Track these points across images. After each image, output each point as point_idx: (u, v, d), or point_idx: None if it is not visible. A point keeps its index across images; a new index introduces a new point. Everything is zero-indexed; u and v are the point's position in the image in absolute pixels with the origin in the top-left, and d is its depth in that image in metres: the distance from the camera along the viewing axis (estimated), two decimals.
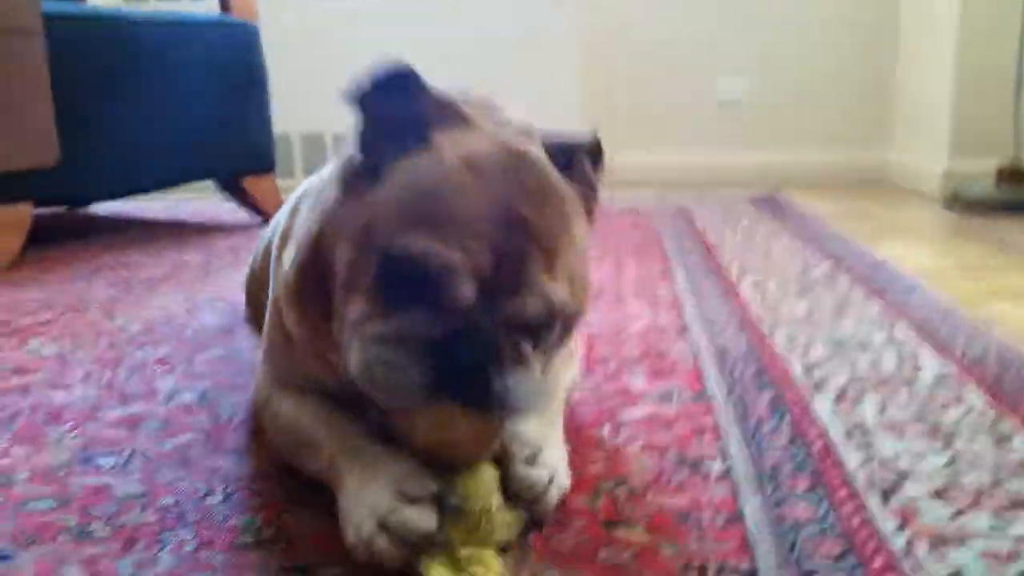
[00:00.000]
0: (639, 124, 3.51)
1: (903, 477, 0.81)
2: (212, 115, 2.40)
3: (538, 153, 0.74)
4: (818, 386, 1.05)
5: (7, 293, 1.69)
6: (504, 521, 0.69)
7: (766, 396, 1.02)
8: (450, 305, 0.65)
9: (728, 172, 3.44)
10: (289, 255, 0.80)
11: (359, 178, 0.72)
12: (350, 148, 0.75)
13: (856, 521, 0.73)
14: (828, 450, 0.86)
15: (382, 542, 0.65)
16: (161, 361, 1.23)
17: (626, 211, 2.58)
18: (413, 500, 0.67)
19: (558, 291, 0.69)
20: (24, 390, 1.12)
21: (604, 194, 0.81)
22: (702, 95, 3.46)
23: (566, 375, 0.92)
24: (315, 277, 0.75)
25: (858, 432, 0.91)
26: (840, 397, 1.01)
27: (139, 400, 1.07)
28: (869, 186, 3.23)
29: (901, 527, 0.72)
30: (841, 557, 0.67)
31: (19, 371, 1.20)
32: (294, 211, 0.89)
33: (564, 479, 0.76)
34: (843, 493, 0.78)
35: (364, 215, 0.70)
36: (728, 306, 1.43)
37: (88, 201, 2.79)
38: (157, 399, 1.07)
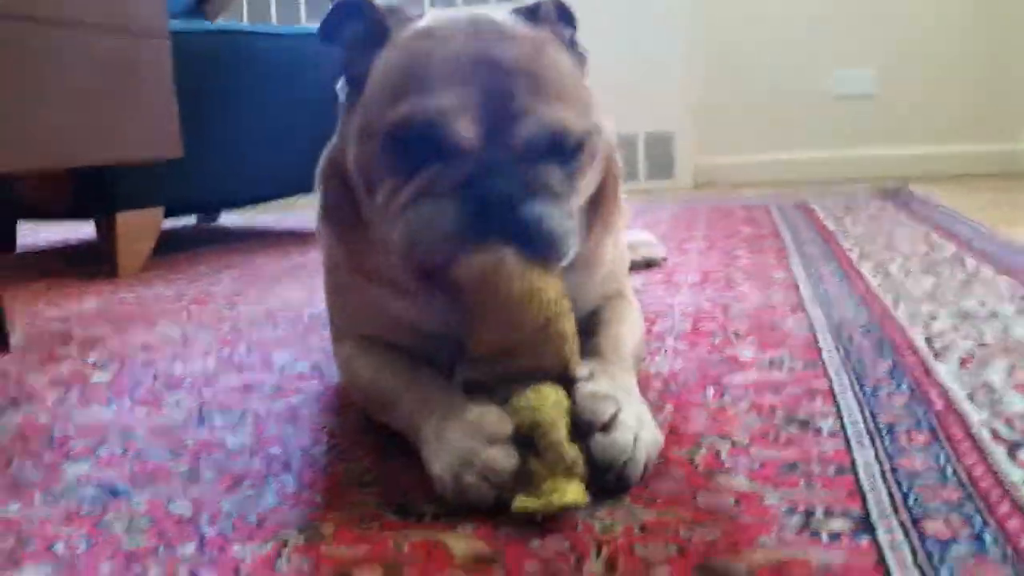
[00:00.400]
0: (753, 121, 3.43)
1: None
2: (329, 124, 2.48)
3: (491, 13, 0.78)
4: (941, 353, 0.99)
5: (138, 290, 1.79)
6: (579, 450, 0.67)
7: (885, 363, 0.96)
8: (457, 148, 0.70)
9: (849, 168, 3.31)
10: None
11: (347, 93, 0.82)
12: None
13: (979, 470, 0.67)
14: (950, 407, 0.81)
15: (470, 479, 0.65)
16: (278, 340, 1.27)
17: (740, 207, 2.52)
18: (492, 441, 0.67)
19: (555, 112, 0.72)
20: (148, 364, 1.17)
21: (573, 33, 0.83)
22: (819, 89, 3.36)
23: (632, 329, 0.90)
24: (342, 196, 0.84)
25: (983, 392, 0.85)
26: (965, 361, 0.95)
27: (254, 370, 1.11)
28: (998, 179, 3.05)
29: None
30: (960, 503, 0.63)
31: (145, 348, 1.26)
32: None
33: (651, 435, 0.71)
34: (965, 445, 0.72)
35: (359, 116, 0.78)
36: (847, 285, 1.37)
37: (213, 208, 2.93)
38: (271, 369, 1.11)
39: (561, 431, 0.68)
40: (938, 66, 3.25)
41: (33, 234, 3.08)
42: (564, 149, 0.72)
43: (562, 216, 0.71)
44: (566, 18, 0.81)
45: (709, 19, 3.36)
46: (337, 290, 0.93)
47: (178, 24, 2.11)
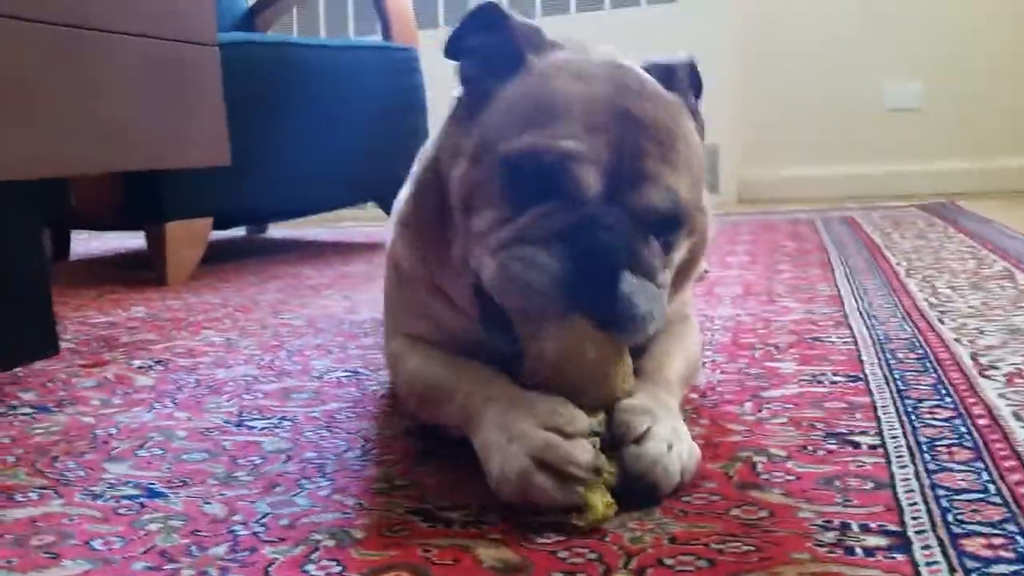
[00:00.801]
0: (799, 136, 3.39)
1: None
2: (376, 136, 2.51)
3: (635, 65, 0.76)
4: (987, 370, 0.96)
5: (185, 297, 1.83)
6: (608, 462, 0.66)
7: (929, 378, 0.94)
8: (577, 195, 0.66)
9: (898, 182, 3.26)
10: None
11: (467, 106, 0.77)
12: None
13: (1023, 489, 0.66)
14: (995, 424, 0.79)
15: (542, 479, 0.63)
16: (318, 347, 1.29)
17: (784, 222, 2.49)
18: (568, 435, 0.65)
19: (676, 182, 0.69)
20: (192, 369, 1.19)
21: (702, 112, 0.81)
22: (867, 102, 3.31)
23: (684, 351, 0.87)
24: (430, 204, 0.79)
25: None
26: (1011, 378, 0.92)
27: (294, 376, 1.13)
28: None
29: None
30: (1003, 522, 0.61)
31: (189, 354, 1.29)
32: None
33: (687, 448, 0.70)
34: (1010, 463, 0.70)
35: (478, 132, 0.74)
36: (893, 300, 1.34)
37: (262, 219, 2.98)
38: (310, 375, 1.12)
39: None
40: (986, 80, 3.18)
41: (85, 244, 3.16)
42: (673, 223, 0.70)
43: (655, 296, 0.68)
44: (696, 84, 0.80)
45: (755, 32, 3.34)
46: (398, 289, 0.91)
47: (228, 35, 2.15)
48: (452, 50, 0.78)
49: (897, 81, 3.29)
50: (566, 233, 0.65)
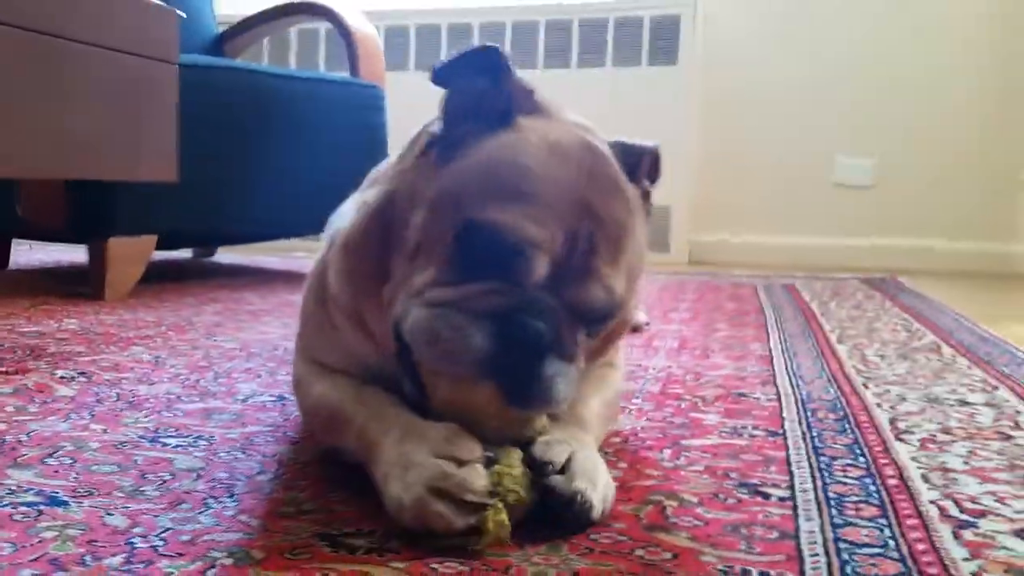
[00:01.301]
0: (750, 203, 3.47)
1: (982, 515, 0.74)
2: (333, 170, 2.51)
3: (606, 151, 0.76)
4: (903, 434, 0.98)
5: (120, 313, 1.79)
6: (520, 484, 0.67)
7: (846, 438, 0.96)
8: (523, 280, 0.67)
9: (844, 256, 3.34)
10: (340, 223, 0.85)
11: (440, 149, 0.75)
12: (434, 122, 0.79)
13: (921, 546, 0.67)
14: (903, 485, 0.81)
15: (439, 507, 0.64)
16: (247, 371, 1.27)
17: (728, 284, 2.53)
18: (462, 463, 0.66)
19: (618, 283, 0.71)
20: (114, 383, 1.17)
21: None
22: (817, 175, 3.41)
23: (604, 394, 0.88)
24: (376, 238, 0.78)
25: (939, 474, 0.84)
26: (925, 443, 0.95)
27: (218, 397, 1.11)
28: (991, 278, 3.07)
29: (972, 557, 0.65)
30: None
31: (114, 368, 1.26)
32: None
33: (606, 479, 0.72)
34: (911, 522, 0.72)
35: (445, 183, 0.73)
36: (821, 363, 1.37)
37: (209, 242, 2.95)
38: (234, 398, 1.11)
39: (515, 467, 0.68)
40: (939, 161, 3.30)
41: (28, 255, 3.09)
42: (605, 317, 0.72)
43: (571, 380, 0.70)
44: (656, 171, 0.82)
45: (713, 98, 3.42)
46: (316, 307, 0.90)
47: (194, 57, 2.15)
48: (442, 78, 0.76)
49: (849, 157, 3.39)
50: (501, 314, 0.66)
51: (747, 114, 3.44)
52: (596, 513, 0.68)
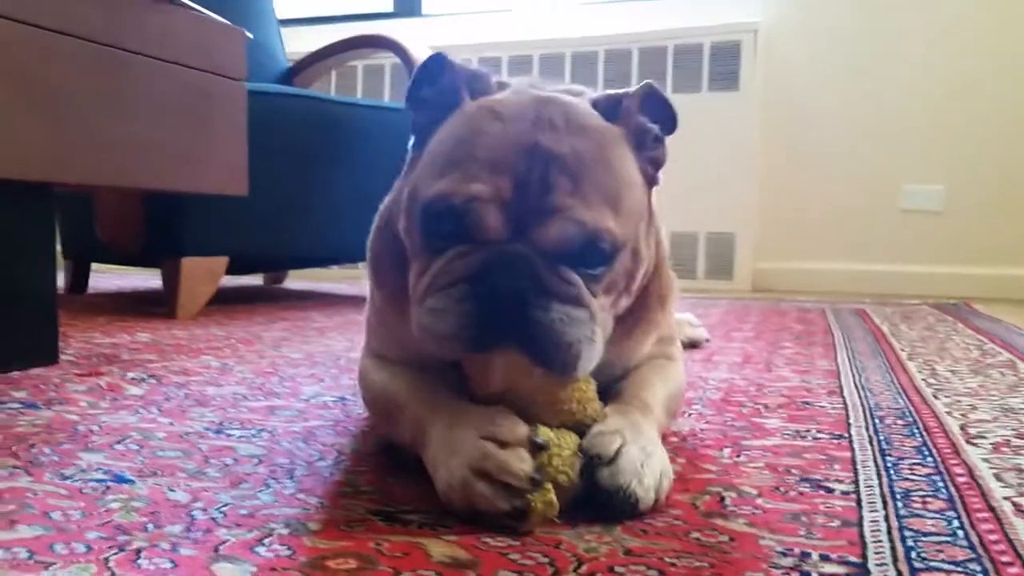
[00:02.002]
0: (817, 230, 3.42)
1: None
2: None
3: (572, 99, 0.76)
4: (974, 439, 0.95)
5: (191, 329, 1.84)
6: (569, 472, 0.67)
7: (914, 441, 0.93)
8: (483, 237, 0.67)
9: (912, 283, 3.26)
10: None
11: (410, 160, 0.80)
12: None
13: (994, 536, 0.64)
14: (973, 483, 0.78)
15: (482, 488, 0.64)
16: (311, 376, 1.29)
17: (794, 308, 2.49)
18: (505, 445, 0.66)
19: (593, 215, 0.68)
20: (183, 385, 1.20)
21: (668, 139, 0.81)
22: (884, 201, 3.34)
23: (665, 379, 0.87)
24: (388, 259, 0.83)
25: (1013, 474, 0.81)
26: (999, 447, 0.91)
27: (281, 397, 1.13)
28: None
29: None
30: (967, 561, 0.59)
31: (183, 372, 1.30)
32: None
33: (660, 464, 0.71)
34: (983, 515, 0.69)
35: (408, 186, 0.77)
36: (890, 377, 1.33)
37: (279, 265, 3.01)
38: (298, 398, 1.13)
39: (559, 456, 0.67)
40: (1008, 187, 3.20)
41: (107, 280, 3.21)
42: (597, 255, 0.69)
43: (578, 323, 0.66)
44: (657, 112, 0.78)
45: (773, 124, 3.40)
46: (373, 309, 0.93)
47: (265, 85, 2.23)
48: (410, 101, 0.80)
49: (917, 184, 3.32)
50: (471, 276, 0.66)
51: (811, 140, 3.40)
52: (643, 506, 0.67)
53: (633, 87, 0.79)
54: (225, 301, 2.39)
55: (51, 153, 1.28)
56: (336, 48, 3.03)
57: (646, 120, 0.78)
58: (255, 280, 3.24)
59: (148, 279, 3.30)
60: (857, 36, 3.36)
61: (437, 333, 0.67)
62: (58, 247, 2.44)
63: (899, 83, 3.31)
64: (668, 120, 0.79)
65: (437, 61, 0.78)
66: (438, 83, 0.78)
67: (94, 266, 2.86)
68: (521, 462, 0.64)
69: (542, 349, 0.66)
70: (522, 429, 0.67)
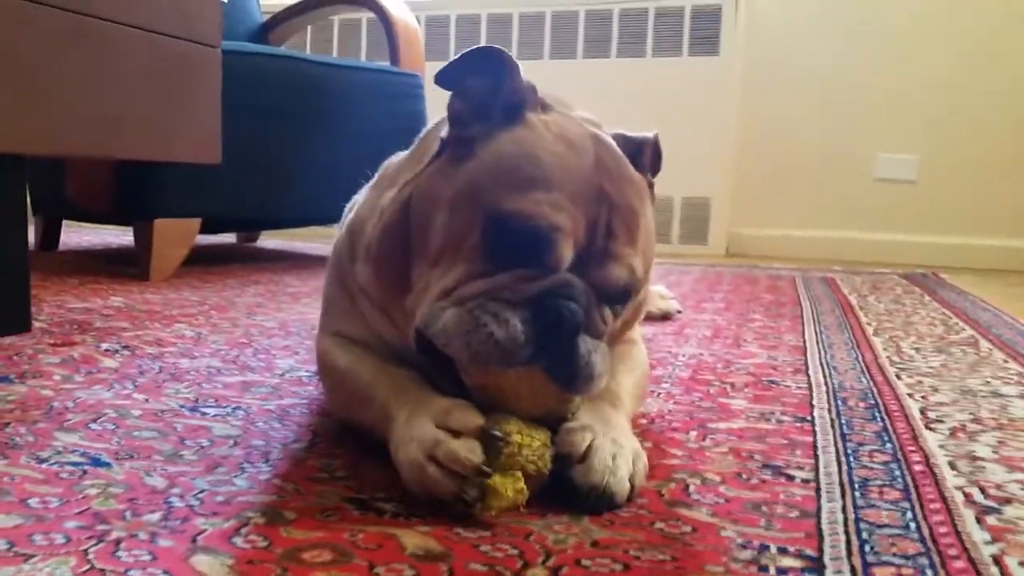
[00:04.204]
0: (792, 197, 3.45)
1: (1007, 502, 0.74)
2: (372, 157, 2.54)
3: (612, 142, 0.79)
4: (933, 423, 0.98)
5: (164, 292, 1.84)
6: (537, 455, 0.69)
7: (875, 426, 0.96)
8: (552, 266, 0.70)
9: (884, 251, 3.30)
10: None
11: (452, 150, 0.78)
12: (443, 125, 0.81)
13: (943, 529, 0.67)
14: (928, 472, 0.81)
15: (433, 471, 0.66)
16: (285, 348, 1.30)
17: (766, 276, 2.52)
18: (457, 434, 0.68)
19: (636, 262, 0.74)
20: (157, 356, 1.21)
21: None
22: (859, 169, 3.37)
23: (631, 369, 0.90)
24: (394, 245, 0.80)
25: (966, 462, 0.84)
26: (955, 432, 0.94)
27: (256, 372, 1.14)
28: None
29: (994, 540, 0.66)
30: (917, 556, 0.62)
31: (157, 343, 1.30)
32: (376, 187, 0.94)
33: (632, 452, 0.73)
34: (935, 506, 0.72)
35: (462, 182, 0.75)
36: (855, 354, 1.36)
37: (252, 226, 3.00)
38: (273, 372, 1.14)
39: (528, 447, 0.69)
40: (981, 158, 3.24)
41: (78, 236, 3.17)
42: (626, 295, 0.75)
43: (603, 356, 0.72)
44: (655, 161, 0.85)
45: (752, 90, 3.40)
46: (340, 293, 0.93)
47: (238, 44, 2.20)
48: (447, 81, 0.78)
49: (892, 153, 3.34)
50: (536, 299, 0.69)
51: (788, 107, 3.42)
52: (620, 499, 0.70)
53: (647, 133, 0.84)
54: (198, 261, 2.38)
55: (24, 125, 1.26)
56: (313, 3, 2.99)
57: (652, 168, 0.84)
58: (228, 238, 3.22)
59: (120, 235, 3.27)
60: (837, 4, 3.36)
61: (497, 339, 0.67)
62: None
63: (878, 52, 3.32)
64: (657, 166, 0.85)
65: (498, 55, 0.76)
66: (495, 80, 0.76)
67: (65, 222, 2.83)
68: (470, 452, 0.67)
69: (572, 375, 0.70)
70: (474, 420, 0.69)
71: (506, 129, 0.75)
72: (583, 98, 0.92)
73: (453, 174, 0.76)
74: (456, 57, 0.77)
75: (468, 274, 0.71)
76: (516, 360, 0.68)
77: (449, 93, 0.79)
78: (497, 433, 0.68)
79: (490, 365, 0.69)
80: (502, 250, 0.71)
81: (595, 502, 0.69)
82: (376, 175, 0.97)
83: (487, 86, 0.77)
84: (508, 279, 0.70)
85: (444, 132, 0.80)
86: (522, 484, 0.66)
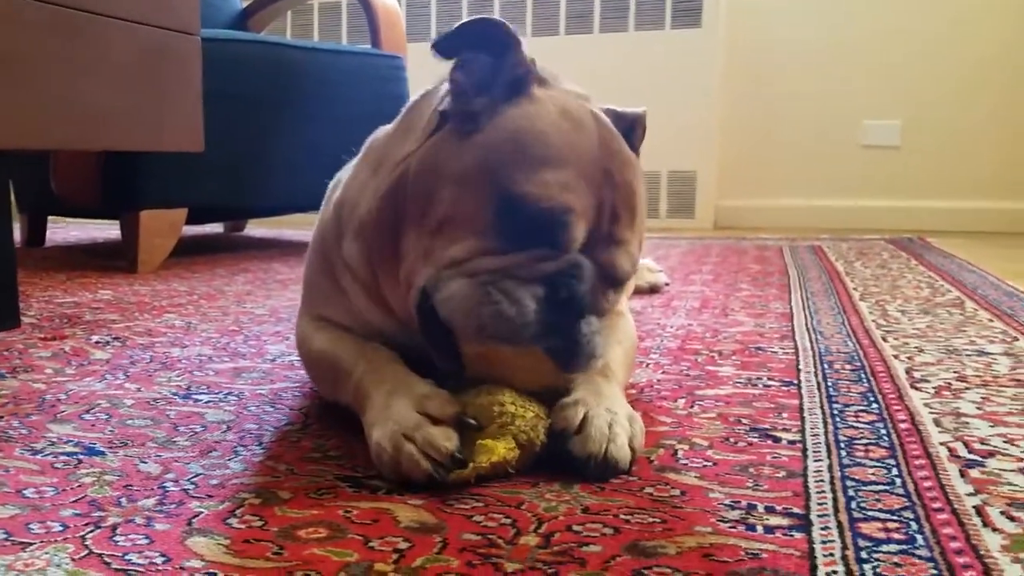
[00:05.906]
0: (777, 167, 3.45)
1: (990, 455, 0.75)
2: (355, 140, 2.53)
3: (608, 120, 0.80)
4: (919, 383, 0.99)
5: (153, 284, 1.84)
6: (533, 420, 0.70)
7: (860, 387, 0.97)
8: (565, 246, 0.71)
9: (871, 218, 3.32)
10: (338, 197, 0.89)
11: (457, 123, 0.76)
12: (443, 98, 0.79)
13: (928, 483, 0.68)
14: (913, 430, 0.82)
15: (410, 450, 0.68)
16: (276, 334, 1.31)
17: (753, 247, 2.53)
18: (436, 420, 0.70)
19: (635, 246, 0.76)
20: (148, 347, 1.21)
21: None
22: (844, 137, 3.38)
23: (621, 341, 0.90)
24: (390, 220, 0.79)
25: (951, 419, 0.86)
26: (940, 391, 0.96)
27: (247, 358, 1.14)
28: (1020, 236, 3.03)
29: (976, 492, 0.67)
30: (901, 510, 0.63)
31: (147, 333, 1.30)
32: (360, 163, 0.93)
33: (627, 417, 0.74)
34: (920, 462, 0.73)
35: (473, 156, 0.74)
36: (841, 319, 1.38)
37: (238, 215, 2.99)
38: (264, 358, 1.14)
39: (522, 417, 0.70)
40: (962, 122, 3.25)
41: (64, 232, 3.16)
42: (626, 278, 0.77)
43: (604, 335, 0.74)
44: (641, 137, 0.86)
45: (739, 64, 3.40)
46: (321, 280, 0.93)
47: (217, 32, 2.18)
48: (446, 49, 0.75)
49: (875, 119, 3.35)
50: (549, 279, 0.70)
51: (772, 77, 3.41)
52: (623, 464, 0.71)
53: (636, 109, 0.85)
54: (186, 252, 2.38)
55: (6, 119, 1.26)
56: None
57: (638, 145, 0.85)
58: (216, 228, 3.22)
59: (106, 229, 3.26)
60: None
61: (508, 316, 0.68)
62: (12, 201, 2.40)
63: (859, 18, 3.32)
64: (643, 138, 0.86)
65: (501, 29, 0.75)
66: (497, 54, 0.75)
67: (51, 218, 2.82)
68: (447, 440, 0.68)
69: (574, 356, 0.71)
70: (451, 408, 0.71)
71: (512, 104, 0.75)
72: (568, 75, 0.92)
73: (459, 147, 0.75)
74: (457, 26, 0.75)
75: (479, 249, 0.71)
76: (522, 338, 0.69)
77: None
78: (472, 421, 0.70)
79: (495, 341, 0.70)
80: (515, 229, 0.71)
81: (598, 470, 0.70)
82: (362, 151, 0.96)
83: (492, 62, 0.76)
84: (525, 258, 0.70)
85: (443, 105, 0.79)
86: (513, 444, 0.68)
